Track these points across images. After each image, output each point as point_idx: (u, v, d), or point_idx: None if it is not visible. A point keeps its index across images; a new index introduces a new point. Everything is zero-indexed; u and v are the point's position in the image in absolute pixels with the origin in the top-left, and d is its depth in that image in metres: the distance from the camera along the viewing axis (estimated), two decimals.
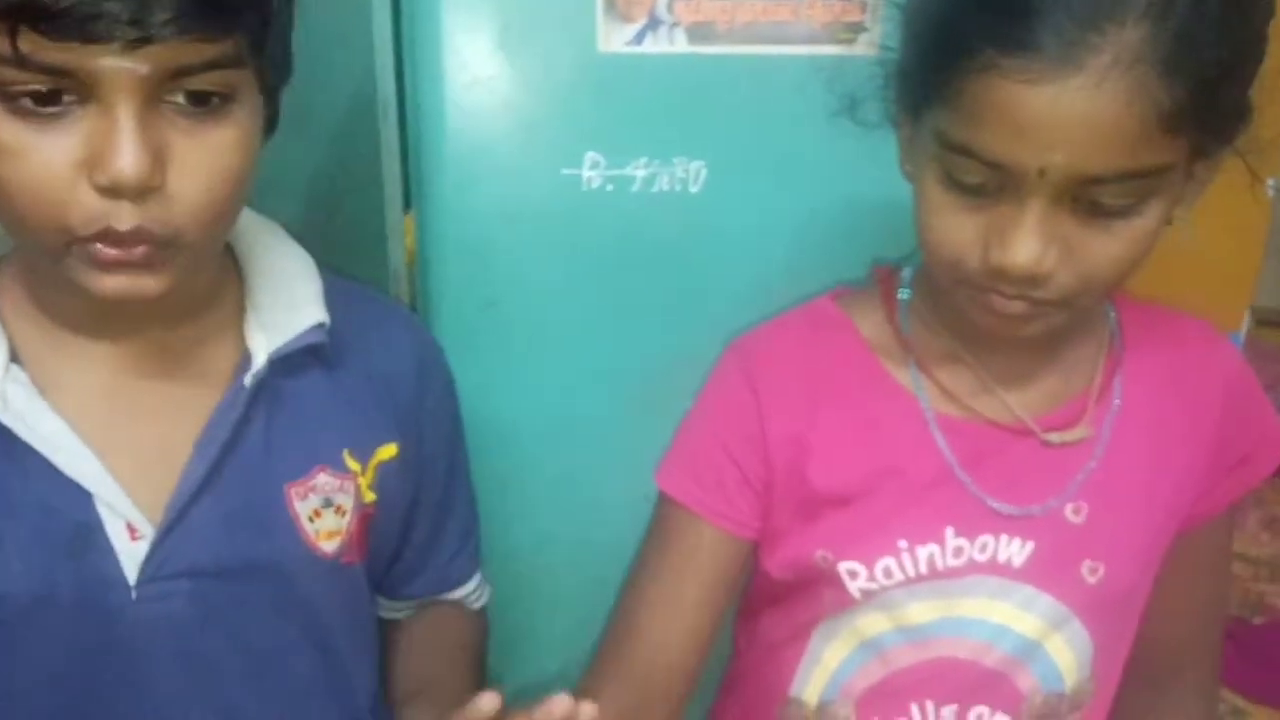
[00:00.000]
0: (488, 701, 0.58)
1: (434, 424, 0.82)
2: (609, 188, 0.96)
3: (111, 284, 0.58)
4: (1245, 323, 1.02)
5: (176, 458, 0.67)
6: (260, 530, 0.69)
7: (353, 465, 0.73)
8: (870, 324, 0.76)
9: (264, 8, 0.58)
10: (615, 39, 0.92)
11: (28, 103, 0.54)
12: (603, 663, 0.80)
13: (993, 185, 0.59)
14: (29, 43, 0.51)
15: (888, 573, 0.71)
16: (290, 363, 0.70)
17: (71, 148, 0.55)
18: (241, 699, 0.70)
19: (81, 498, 0.64)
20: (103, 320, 0.66)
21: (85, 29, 0.51)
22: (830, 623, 0.75)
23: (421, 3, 0.91)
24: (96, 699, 0.66)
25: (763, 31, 0.92)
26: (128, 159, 0.54)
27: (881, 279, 0.78)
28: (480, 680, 0.88)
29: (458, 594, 0.88)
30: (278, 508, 0.69)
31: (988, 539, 0.71)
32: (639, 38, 0.92)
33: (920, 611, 0.72)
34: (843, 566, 0.72)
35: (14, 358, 0.64)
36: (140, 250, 0.57)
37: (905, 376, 0.74)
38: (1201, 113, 0.56)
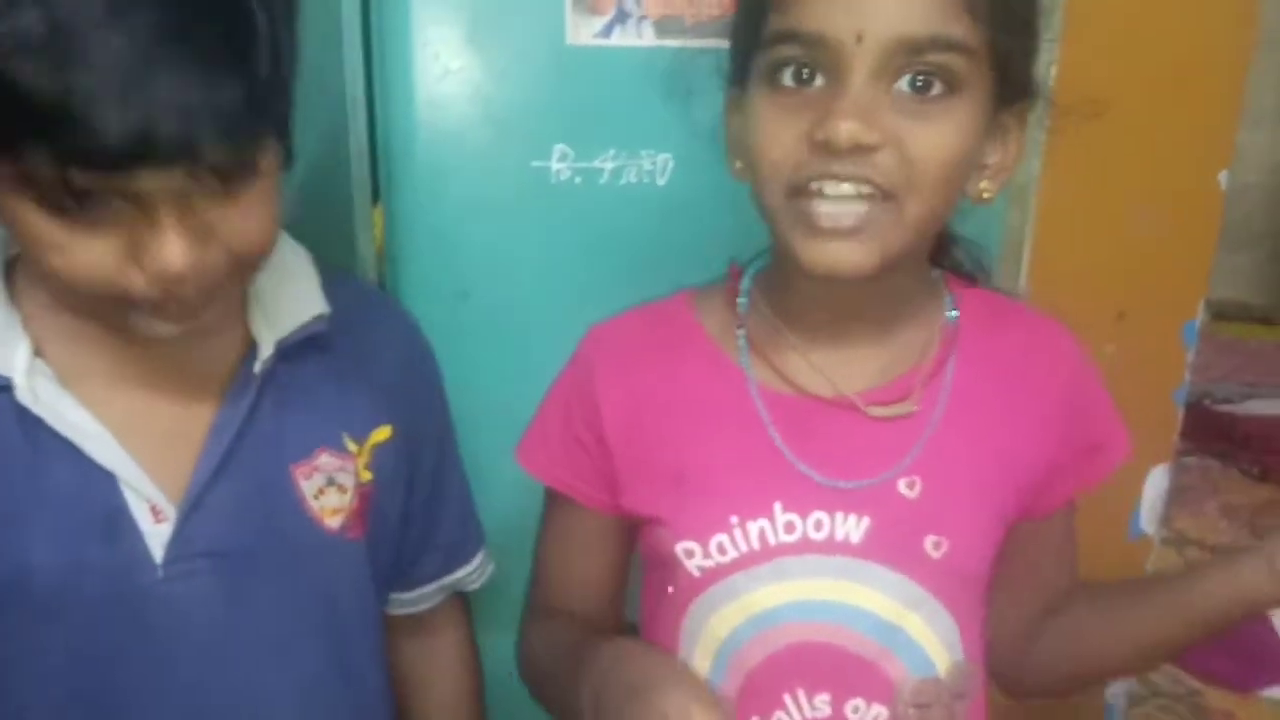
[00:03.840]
0: None
1: (424, 406, 0.85)
2: (577, 180, 0.97)
3: (166, 330, 0.64)
4: (1200, 315, 1.04)
5: (192, 442, 0.70)
6: (271, 508, 0.73)
7: (351, 446, 0.77)
8: (712, 312, 0.80)
9: (288, 101, 0.61)
10: (584, 32, 0.93)
11: (69, 204, 0.56)
12: (535, 609, 0.88)
13: (816, 69, 0.64)
14: (78, 178, 0.53)
15: (721, 549, 0.73)
16: (291, 351, 0.74)
17: (115, 242, 0.58)
18: (258, 682, 0.73)
19: (108, 482, 0.67)
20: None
21: (133, 163, 0.53)
22: (691, 624, 0.77)
23: None
24: (121, 681, 0.69)
25: None
26: (175, 258, 0.57)
27: (731, 274, 0.81)
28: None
29: (462, 572, 0.91)
30: (285, 487, 0.74)
31: (821, 516, 0.73)
32: (607, 31, 0.93)
33: (766, 596, 0.73)
34: (679, 547, 0.74)
35: (37, 352, 0.67)
36: (197, 300, 0.62)
37: (736, 356, 0.77)
38: (996, 8, 0.62)
